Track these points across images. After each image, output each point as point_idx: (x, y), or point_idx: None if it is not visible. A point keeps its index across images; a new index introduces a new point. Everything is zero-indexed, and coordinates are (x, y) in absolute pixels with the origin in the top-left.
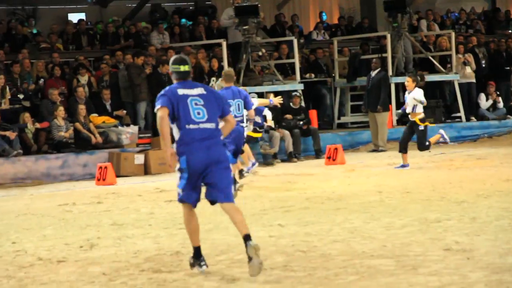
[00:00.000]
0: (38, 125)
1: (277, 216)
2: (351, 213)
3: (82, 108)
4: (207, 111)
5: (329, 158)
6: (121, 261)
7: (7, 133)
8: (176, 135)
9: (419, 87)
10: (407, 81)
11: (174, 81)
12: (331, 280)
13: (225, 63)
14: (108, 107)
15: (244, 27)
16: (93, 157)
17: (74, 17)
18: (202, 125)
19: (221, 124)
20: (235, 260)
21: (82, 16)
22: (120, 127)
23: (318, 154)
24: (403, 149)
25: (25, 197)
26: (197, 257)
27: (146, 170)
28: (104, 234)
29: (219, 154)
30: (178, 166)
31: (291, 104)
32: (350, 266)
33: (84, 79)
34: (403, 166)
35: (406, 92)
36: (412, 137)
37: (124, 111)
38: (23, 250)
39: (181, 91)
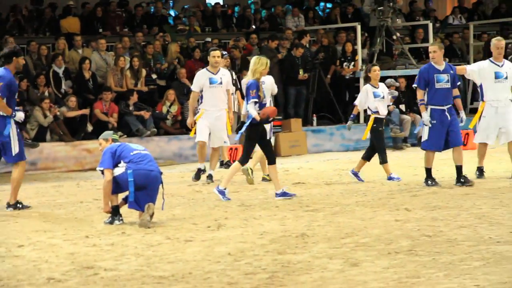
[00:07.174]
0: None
1: (404, 200)
2: (480, 199)
3: None
4: None
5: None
6: (246, 242)
7: (142, 113)
8: None
9: None
10: None
11: None
12: (455, 266)
13: (358, 46)
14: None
15: (379, 8)
16: None
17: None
18: None
19: None
20: (360, 243)
21: None
22: None
23: None
24: None
25: None
26: None
27: (276, 152)
28: (231, 214)
29: None
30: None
31: None
32: (475, 252)
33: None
34: None
35: None
36: None
37: None
38: (152, 229)
39: None
